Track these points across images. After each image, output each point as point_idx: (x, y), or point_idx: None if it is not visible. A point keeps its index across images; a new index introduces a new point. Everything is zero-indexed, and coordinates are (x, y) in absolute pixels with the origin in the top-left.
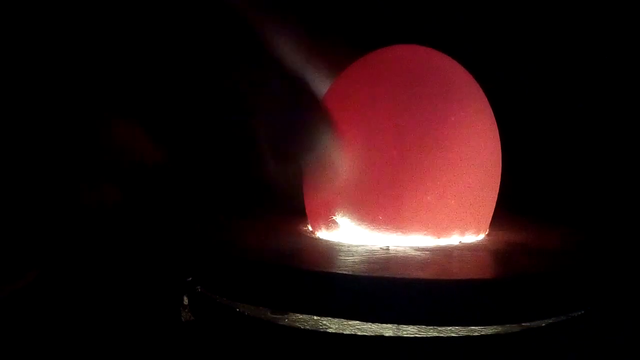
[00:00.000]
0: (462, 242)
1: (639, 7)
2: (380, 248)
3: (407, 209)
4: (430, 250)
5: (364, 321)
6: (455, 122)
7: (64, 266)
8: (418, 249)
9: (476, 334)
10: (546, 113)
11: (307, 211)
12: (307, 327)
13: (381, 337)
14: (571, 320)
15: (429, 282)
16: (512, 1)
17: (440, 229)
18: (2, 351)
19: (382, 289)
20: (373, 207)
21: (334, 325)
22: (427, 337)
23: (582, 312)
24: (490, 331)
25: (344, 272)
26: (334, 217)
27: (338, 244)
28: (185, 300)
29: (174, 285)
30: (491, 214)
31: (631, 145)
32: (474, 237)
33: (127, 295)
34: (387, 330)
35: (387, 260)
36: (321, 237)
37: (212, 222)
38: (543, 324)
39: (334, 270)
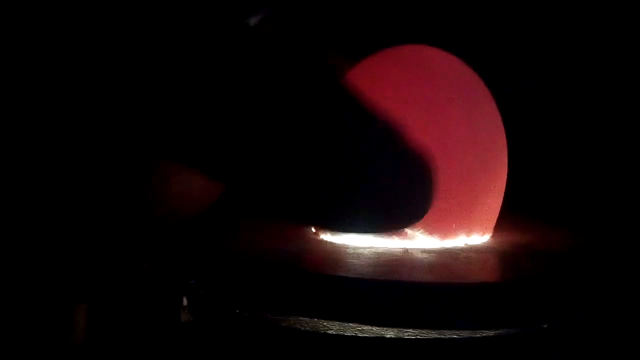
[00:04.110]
0: (468, 243)
1: (639, 7)
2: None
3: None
4: (437, 253)
5: (370, 325)
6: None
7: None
8: (424, 251)
9: (477, 335)
10: (546, 113)
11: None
12: (308, 328)
13: (382, 339)
14: (573, 322)
15: (436, 286)
16: (511, 2)
17: (446, 231)
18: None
19: (390, 292)
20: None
21: (334, 326)
22: (428, 339)
23: (584, 313)
24: (492, 332)
25: (352, 276)
26: None
27: (344, 246)
28: (185, 302)
29: (174, 287)
30: (497, 215)
31: (633, 145)
32: (479, 238)
33: (127, 296)
34: (389, 331)
35: (394, 262)
36: (326, 239)
37: (218, 225)
38: (545, 325)
39: (340, 274)
